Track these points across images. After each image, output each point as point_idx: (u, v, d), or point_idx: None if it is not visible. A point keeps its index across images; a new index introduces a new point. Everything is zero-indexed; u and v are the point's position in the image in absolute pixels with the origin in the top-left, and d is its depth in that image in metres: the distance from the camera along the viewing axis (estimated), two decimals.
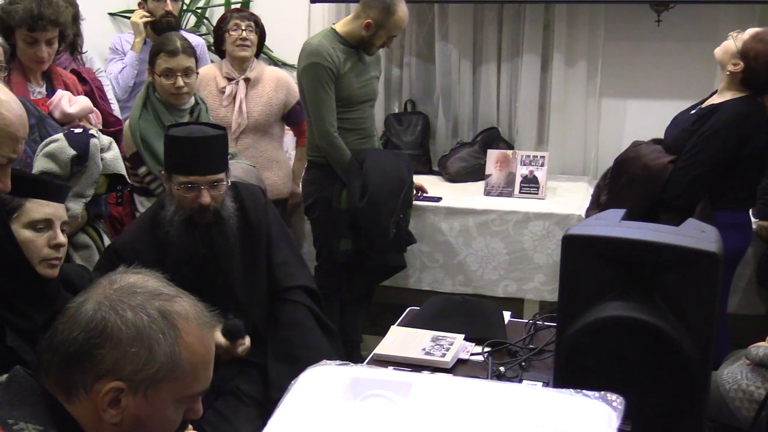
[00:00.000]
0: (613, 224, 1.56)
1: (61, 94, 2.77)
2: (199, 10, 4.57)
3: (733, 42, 2.75)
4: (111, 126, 3.06)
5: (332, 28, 3.25)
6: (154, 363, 1.16)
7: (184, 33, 3.97)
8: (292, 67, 4.26)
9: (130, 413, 1.17)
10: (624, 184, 2.90)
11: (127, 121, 3.02)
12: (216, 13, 4.55)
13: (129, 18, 4.01)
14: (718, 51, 2.82)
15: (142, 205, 3.01)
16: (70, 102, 2.76)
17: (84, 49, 3.43)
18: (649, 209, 2.78)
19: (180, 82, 2.90)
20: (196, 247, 2.32)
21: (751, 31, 2.75)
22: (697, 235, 1.51)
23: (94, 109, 2.92)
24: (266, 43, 4.41)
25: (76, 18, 3.30)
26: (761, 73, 2.72)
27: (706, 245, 1.46)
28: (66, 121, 2.72)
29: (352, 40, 3.19)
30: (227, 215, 2.38)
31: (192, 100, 3.02)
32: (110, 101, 3.39)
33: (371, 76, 3.31)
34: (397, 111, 4.44)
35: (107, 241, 2.61)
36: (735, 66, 2.73)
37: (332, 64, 3.11)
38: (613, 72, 4.10)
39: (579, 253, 1.52)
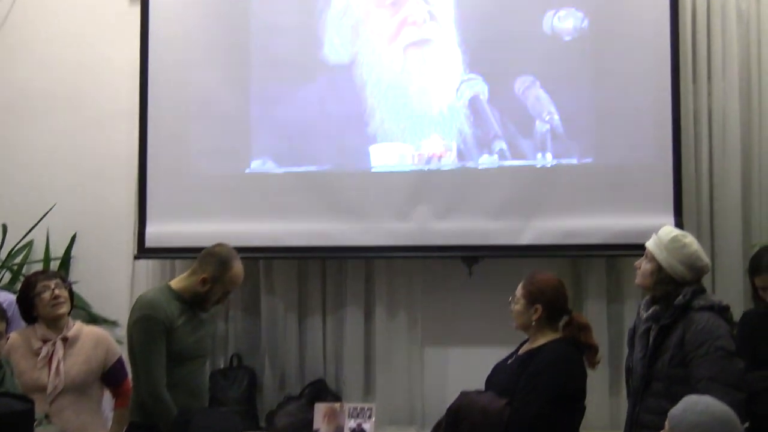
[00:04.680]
0: None
1: None
2: (15, 266, 4.43)
3: (515, 306, 2.96)
4: None
5: (167, 284, 3.22)
6: None
7: None
8: (113, 323, 4.16)
9: None
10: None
11: None
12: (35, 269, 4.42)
13: None
14: (515, 324, 2.99)
15: None
16: None
17: None
18: None
19: None
20: None
21: (519, 288, 2.99)
22: None
23: None
24: (86, 299, 4.35)
25: None
26: (553, 297, 2.91)
27: None
28: None
29: (187, 295, 3.16)
30: None
31: None
32: None
33: (206, 332, 3.27)
34: (222, 366, 4.36)
35: None
36: (536, 313, 2.94)
37: (165, 317, 3.05)
38: (433, 322, 4.29)
39: None
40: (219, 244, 3.18)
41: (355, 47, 4.20)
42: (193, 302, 3.14)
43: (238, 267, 3.15)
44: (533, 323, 2.93)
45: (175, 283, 3.17)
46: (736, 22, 4.08)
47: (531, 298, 2.93)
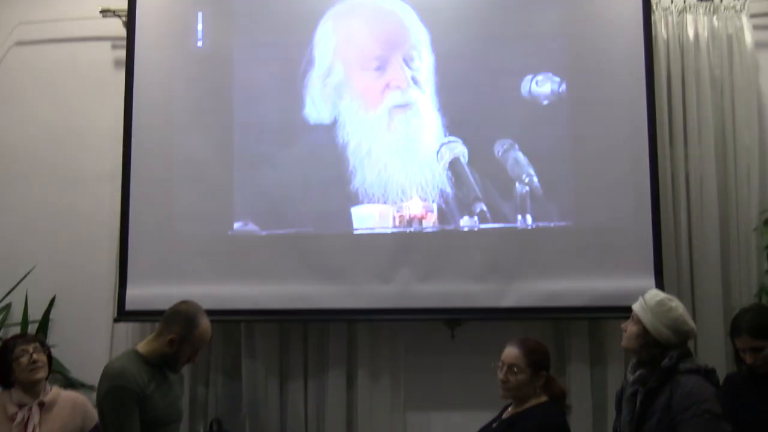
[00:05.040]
0: None
1: None
2: None
3: (519, 376, 2.94)
4: None
5: (134, 350, 3.16)
6: None
7: None
8: (90, 387, 4.09)
9: None
10: None
11: None
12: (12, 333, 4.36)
13: None
14: (511, 394, 2.99)
15: None
16: None
17: None
18: None
19: None
20: None
21: (517, 357, 2.99)
22: None
23: None
24: (63, 362, 4.28)
25: None
26: (550, 361, 2.99)
27: None
28: None
29: (155, 359, 3.10)
30: None
31: None
32: None
33: (176, 395, 3.22)
34: (201, 431, 4.28)
35: None
36: (541, 379, 2.94)
37: (137, 386, 2.98)
38: (416, 385, 4.26)
39: None
40: (183, 302, 3.14)
41: (337, 108, 4.25)
42: (163, 364, 3.08)
43: (205, 323, 3.10)
44: (537, 390, 2.93)
45: (142, 347, 3.11)
46: (710, 87, 4.18)
47: (537, 366, 2.94)
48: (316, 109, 4.26)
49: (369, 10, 4.33)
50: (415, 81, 4.21)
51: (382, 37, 4.29)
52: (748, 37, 4.20)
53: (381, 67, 4.24)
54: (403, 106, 4.21)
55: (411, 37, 4.24)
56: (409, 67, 4.22)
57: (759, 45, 4.24)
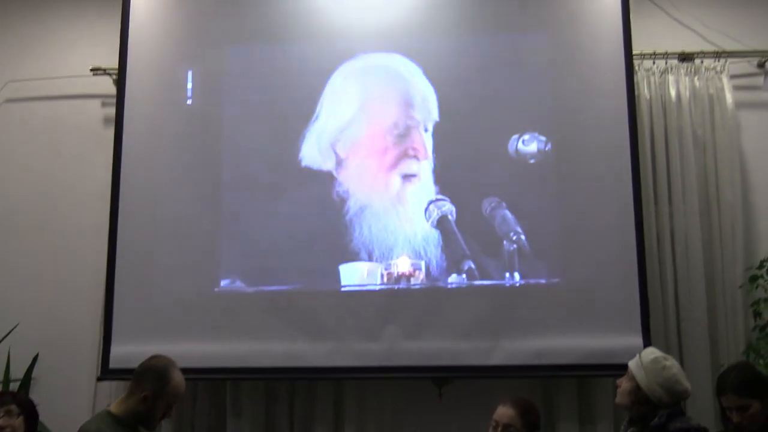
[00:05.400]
0: None
1: None
2: None
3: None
4: None
5: (107, 411, 3.07)
6: None
7: None
8: None
9: None
10: None
11: None
12: None
13: None
14: None
15: None
16: None
17: None
18: None
19: None
20: None
21: (513, 418, 2.97)
22: None
23: None
24: (45, 422, 4.19)
25: None
26: (539, 417, 2.98)
27: None
28: None
29: (129, 418, 3.01)
30: None
31: None
32: None
33: None
34: None
35: None
36: None
37: None
38: None
39: None
40: (154, 357, 3.07)
41: (342, 162, 4.26)
42: (138, 423, 3.00)
43: (178, 376, 3.02)
44: None
45: (114, 408, 3.00)
46: (693, 146, 4.25)
47: (532, 426, 2.92)
48: (314, 162, 4.26)
49: (397, 77, 4.35)
50: (428, 152, 4.24)
51: (411, 107, 4.31)
52: (729, 97, 4.28)
53: (403, 135, 4.26)
54: (415, 175, 4.23)
55: (433, 110, 4.28)
56: (425, 137, 4.26)
57: (739, 105, 4.32)
